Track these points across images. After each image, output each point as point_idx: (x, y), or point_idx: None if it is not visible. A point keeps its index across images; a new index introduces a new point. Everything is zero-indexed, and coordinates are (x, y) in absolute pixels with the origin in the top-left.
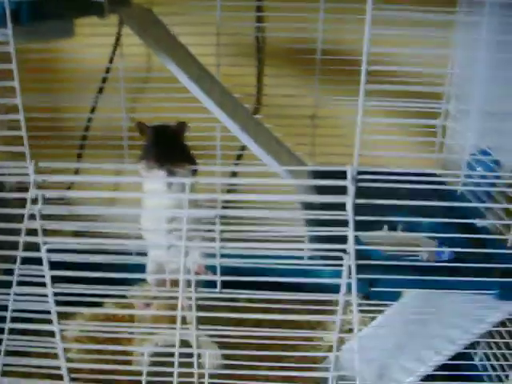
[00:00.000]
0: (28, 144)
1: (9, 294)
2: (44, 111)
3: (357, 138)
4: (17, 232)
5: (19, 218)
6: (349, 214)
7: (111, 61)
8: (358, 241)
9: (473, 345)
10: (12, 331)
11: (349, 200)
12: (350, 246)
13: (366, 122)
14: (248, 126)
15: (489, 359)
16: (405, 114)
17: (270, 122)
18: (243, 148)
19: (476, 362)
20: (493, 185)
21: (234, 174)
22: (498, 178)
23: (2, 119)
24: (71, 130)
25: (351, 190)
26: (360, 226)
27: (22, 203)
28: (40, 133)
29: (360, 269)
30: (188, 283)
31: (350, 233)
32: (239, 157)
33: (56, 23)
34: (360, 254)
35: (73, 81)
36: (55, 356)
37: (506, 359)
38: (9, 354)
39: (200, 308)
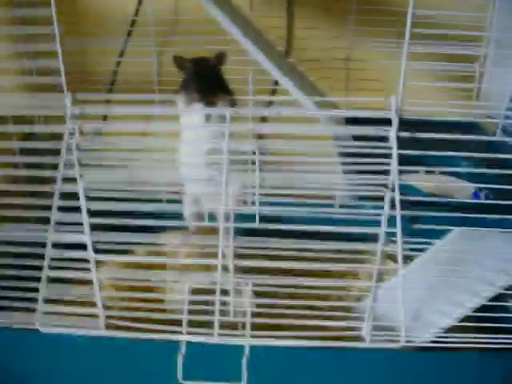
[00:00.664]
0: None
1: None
2: (72, 55)
3: (402, 68)
4: (49, 167)
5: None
6: (392, 146)
7: (140, 3)
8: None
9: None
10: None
11: (393, 131)
12: (394, 179)
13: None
14: (281, 66)
15: None
16: (444, 59)
17: (302, 66)
18: (274, 92)
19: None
20: None
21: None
22: None
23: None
24: (100, 75)
25: (395, 120)
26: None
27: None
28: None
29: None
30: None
31: (393, 165)
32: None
33: None
34: (401, 190)
35: (100, 25)
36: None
37: None
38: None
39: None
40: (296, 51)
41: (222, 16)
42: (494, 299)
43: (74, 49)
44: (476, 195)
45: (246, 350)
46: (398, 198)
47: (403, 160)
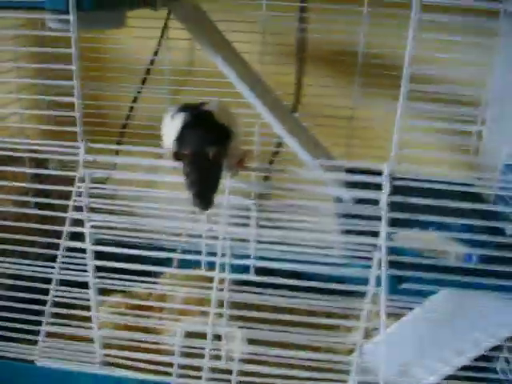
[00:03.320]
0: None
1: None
2: (88, 99)
3: (395, 137)
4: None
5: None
6: (383, 210)
7: (156, 53)
8: (389, 237)
9: (495, 348)
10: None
11: (384, 196)
12: (382, 241)
13: (404, 123)
14: (287, 122)
15: (509, 363)
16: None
17: (308, 121)
18: (280, 145)
19: (497, 365)
20: None
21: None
22: None
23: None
24: (113, 119)
25: (387, 186)
26: (393, 224)
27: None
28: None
29: (390, 265)
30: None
31: (383, 228)
32: (275, 153)
33: (111, 13)
34: (390, 251)
35: (118, 71)
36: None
37: None
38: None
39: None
40: (304, 107)
41: (225, 69)
42: (479, 359)
43: (90, 93)
44: (469, 258)
45: None
46: (384, 258)
47: (394, 221)
